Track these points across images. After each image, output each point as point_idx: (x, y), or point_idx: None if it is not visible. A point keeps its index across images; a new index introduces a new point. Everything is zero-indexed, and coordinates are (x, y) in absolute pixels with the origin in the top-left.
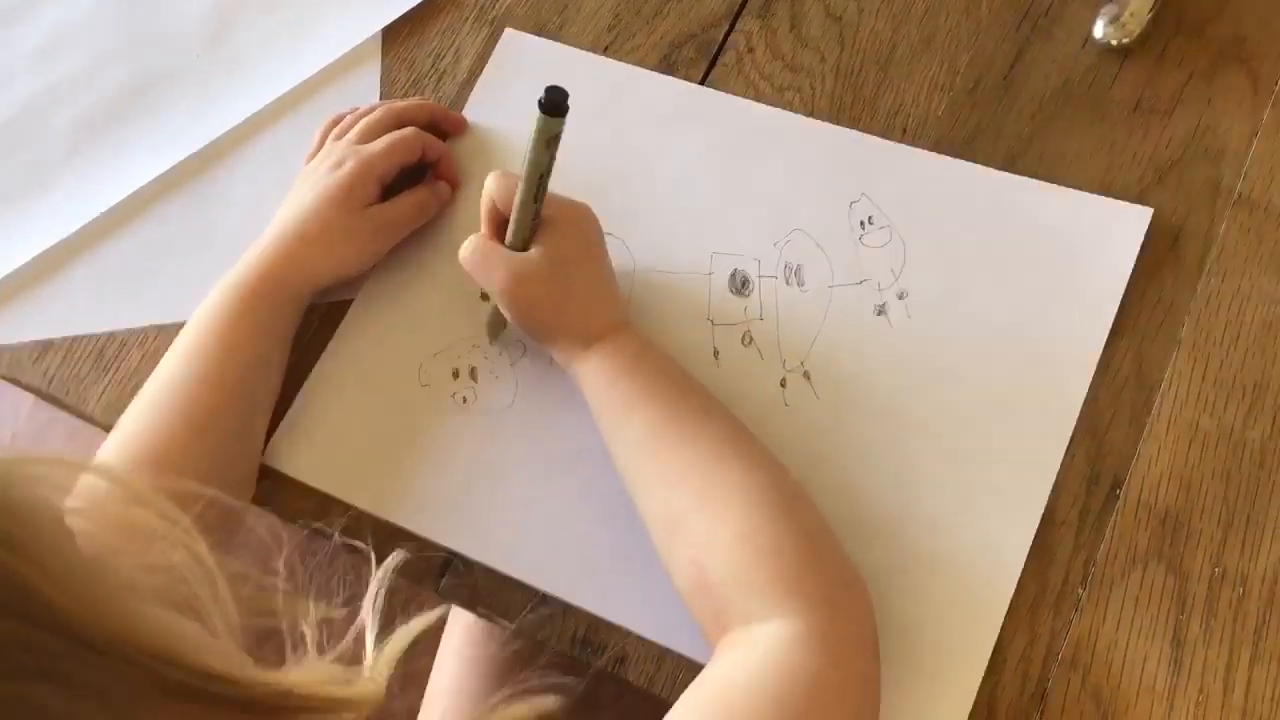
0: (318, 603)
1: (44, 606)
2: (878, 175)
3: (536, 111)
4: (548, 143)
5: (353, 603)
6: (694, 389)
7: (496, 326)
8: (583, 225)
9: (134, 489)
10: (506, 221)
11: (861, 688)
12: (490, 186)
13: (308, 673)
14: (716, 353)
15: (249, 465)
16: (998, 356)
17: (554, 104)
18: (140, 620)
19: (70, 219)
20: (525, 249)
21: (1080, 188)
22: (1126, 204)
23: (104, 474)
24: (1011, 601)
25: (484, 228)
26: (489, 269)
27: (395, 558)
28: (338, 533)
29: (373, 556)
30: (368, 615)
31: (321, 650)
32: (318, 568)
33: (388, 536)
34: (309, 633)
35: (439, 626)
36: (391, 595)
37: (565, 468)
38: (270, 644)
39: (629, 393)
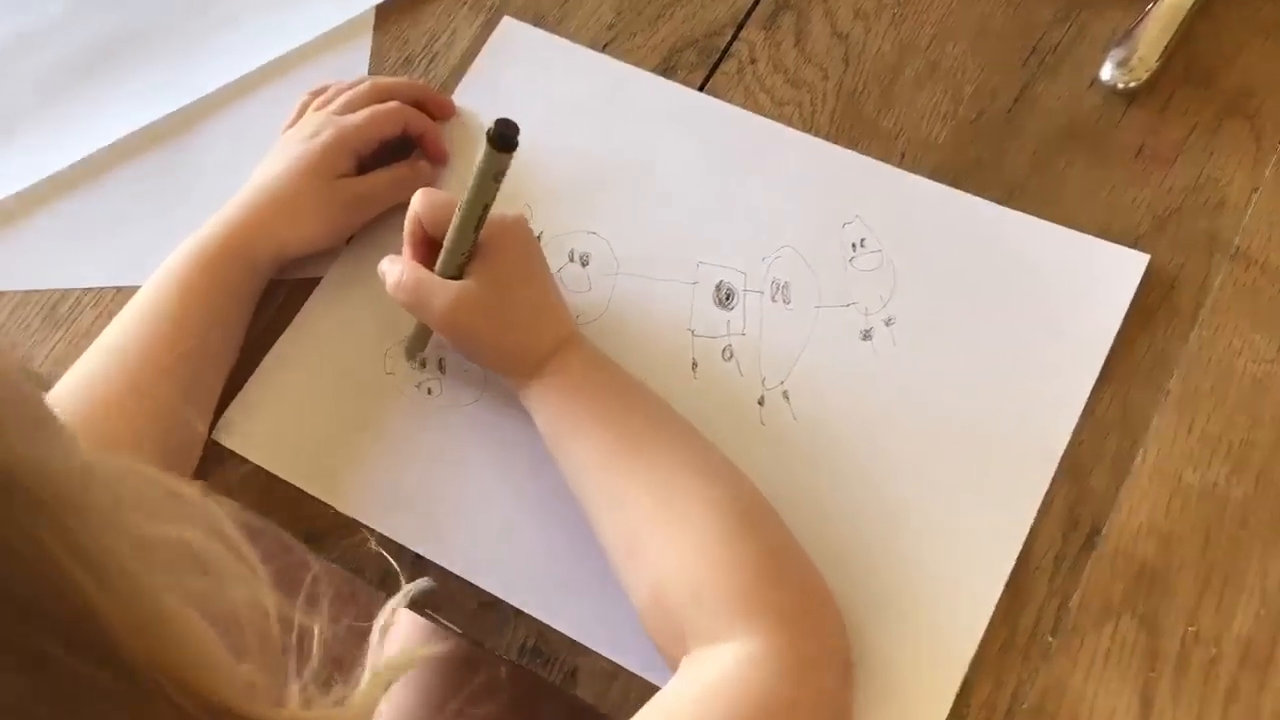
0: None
1: (98, 630)
2: (873, 198)
3: (483, 143)
4: (495, 176)
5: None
6: (646, 404)
7: (417, 346)
8: (519, 245)
9: (217, 523)
10: (433, 243)
11: (819, 707)
12: (418, 207)
13: (303, 708)
14: (695, 365)
15: (193, 434)
16: (982, 392)
17: (504, 139)
18: (181, 650)
19: (36, 168)
20: (459, 276)
21: (1077, 229)
22: (1123, 248)
23: (178, 492)
24: (980, 644)
25: (407, 250)
26: (424, 301)
27: (421, 584)
28: (373, 540)
29: (402, 578)
30: (375, 635)
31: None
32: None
33: (335, 525)
34: (315, 645)
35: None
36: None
37: (526, 470)
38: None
39: (577, 416)
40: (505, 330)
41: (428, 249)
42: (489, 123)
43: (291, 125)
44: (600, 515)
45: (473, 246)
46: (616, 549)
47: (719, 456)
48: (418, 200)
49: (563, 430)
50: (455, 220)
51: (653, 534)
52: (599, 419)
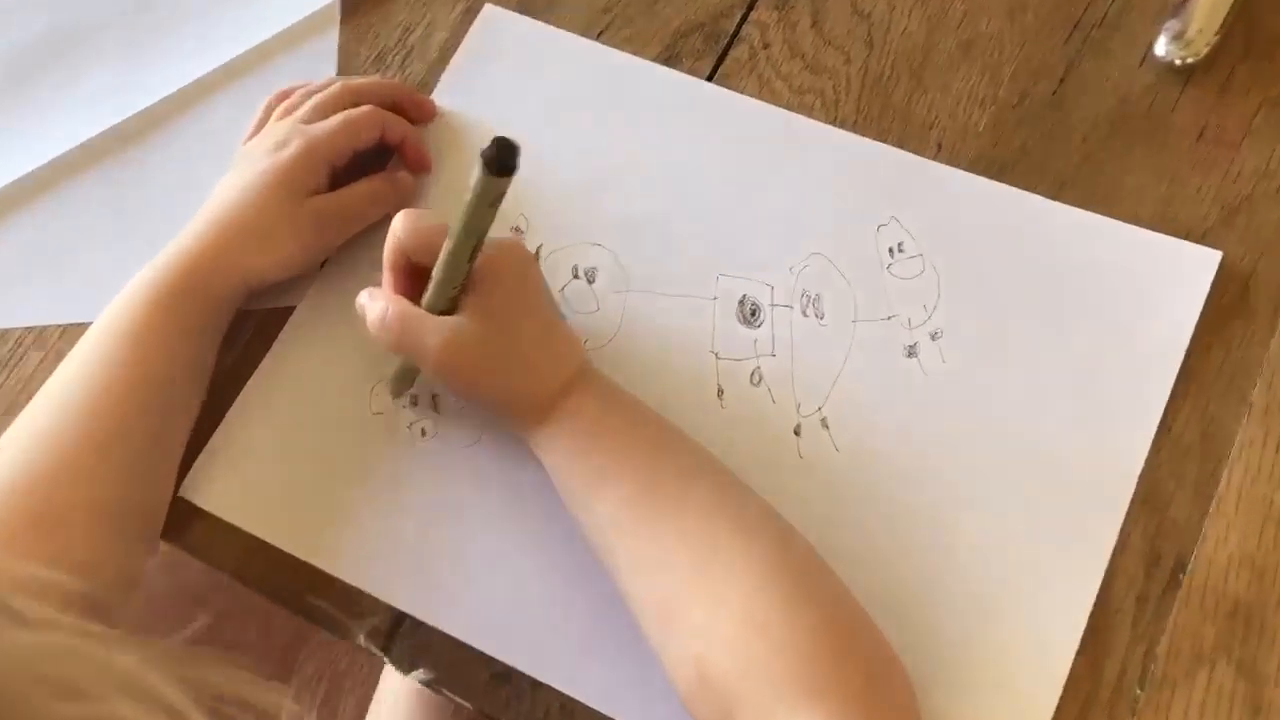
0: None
1: None
2: (910, 196)
3: (477, 165)
4: (491, 202)
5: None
6: (675, 447)
7: (403, 384)
8: (517, 272)
9: (162, 696)
10: (418, 271)
11: None
12: (401, 233)
13: None
14: (720, 391)
15: (159, 494)
16: (1044, 413)
17: (502, 163)
18: None
19: None
20: (451, 311)
21: (1137, 223)
22: (1191, 245)
23: (111, 663)
24: (1059, 702)
25: (389, 281)
26: (413, 341)
27: (416, 678)
28: (363, 635)
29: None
30: None
31: None
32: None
33: (325, 589)
34: None
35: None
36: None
37: (538, 519)
38: None
39: (597, 464)
40: (508, 371)
41: (411, 279)
42: (474, 123)
43: (253, 136)
44: (629, 578)
45: (466, 278)
46: (650, 616)
47: (762, 506)
48: (400, 224)
49: (581, 481)
50: (446, 251)
51: (693, 599)
52: (623, 467)
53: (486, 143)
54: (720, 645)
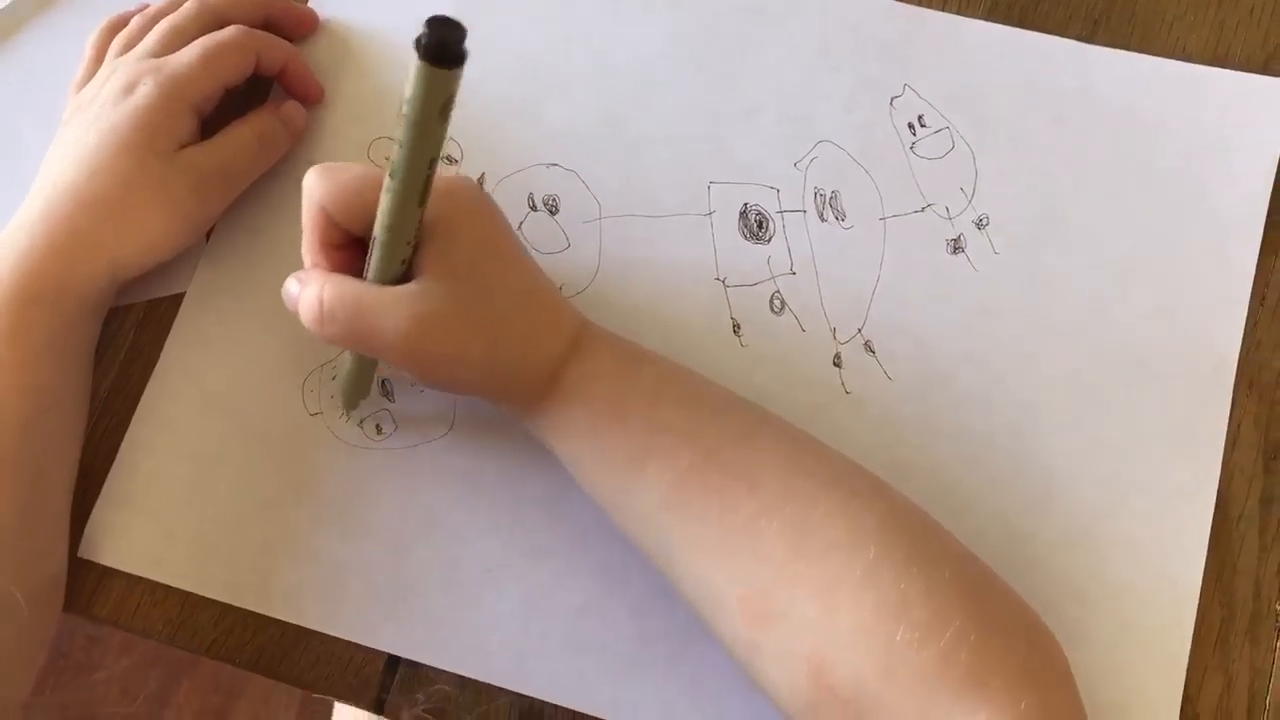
0: None
1: None
2: (921, 58)
3: (414, 63)
4: (440, 110)
5: None
6: (718, 402)
7: (359, 391)
8: (474, 210)
9: None
10: (351, 241)
11: None
12: (321, 194)
13: None
14: (737, 327)
15: (48, 566)
16: (1120, 297)
17: (445, 47)
18: None
19: None
20: (404, 278)
21: (1186, 58)
22: (1255, 77)
23: None
24: (1194, 635)
25: (312, 256)
26: (369, 327)
27: None
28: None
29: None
30: None
31: None
32: None
33: (286, 639)
34: None
35: None
36: None
37: (546, 511)
38: None
39: (632, 440)
40: (496, 340)
41: (345, 252)
42: (369, 32)
43: (85, 81)
44: (695, 569)
45: (420, 229)
46: (731, 613)
47: (843, 457)
48: (317, 184)
49: (614, 465)
50: (390, 194)
51: (794, 587)
52: (666, 438)
53: (384, 51)
54: (845, 639)
